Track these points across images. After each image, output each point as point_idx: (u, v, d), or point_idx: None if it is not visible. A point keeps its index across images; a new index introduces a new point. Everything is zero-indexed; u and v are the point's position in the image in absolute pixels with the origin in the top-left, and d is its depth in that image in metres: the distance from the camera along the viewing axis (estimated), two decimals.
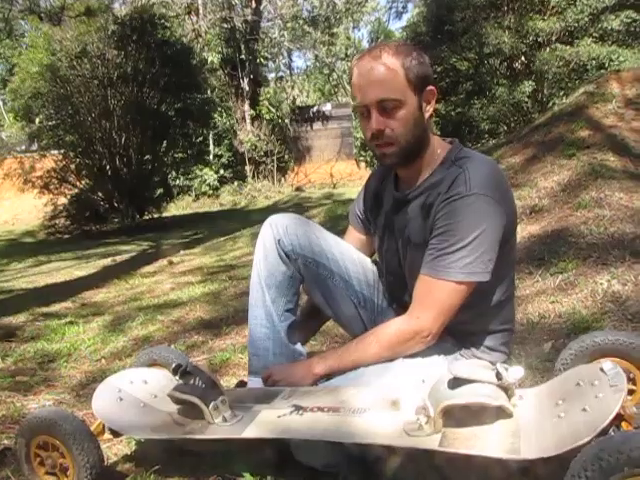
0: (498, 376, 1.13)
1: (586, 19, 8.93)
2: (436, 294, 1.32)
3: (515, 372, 1.14)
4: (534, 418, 1.12)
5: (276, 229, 1.55)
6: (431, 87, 1.36)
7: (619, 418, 1.04)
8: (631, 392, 1.27)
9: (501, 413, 1.12)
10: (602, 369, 1.11)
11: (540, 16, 9.21)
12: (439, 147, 1.41)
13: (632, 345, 1.27)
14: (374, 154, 1.42)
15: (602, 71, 7.40)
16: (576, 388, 1.13)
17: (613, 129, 4.02)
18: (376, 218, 1.57)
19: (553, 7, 9.18)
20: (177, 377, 1.35)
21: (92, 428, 1.34)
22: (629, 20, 8.88)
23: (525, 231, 3.02)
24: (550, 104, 9.16)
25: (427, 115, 1.37)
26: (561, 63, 9.11)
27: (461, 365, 1.16)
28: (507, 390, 1.14)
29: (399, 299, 1.56)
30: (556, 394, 1.16)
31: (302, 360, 1.55)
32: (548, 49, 9.26)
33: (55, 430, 1.26)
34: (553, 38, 9.37)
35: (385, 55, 1.31)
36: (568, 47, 9.10)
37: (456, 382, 1.12)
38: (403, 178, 1.47)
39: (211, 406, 1.27)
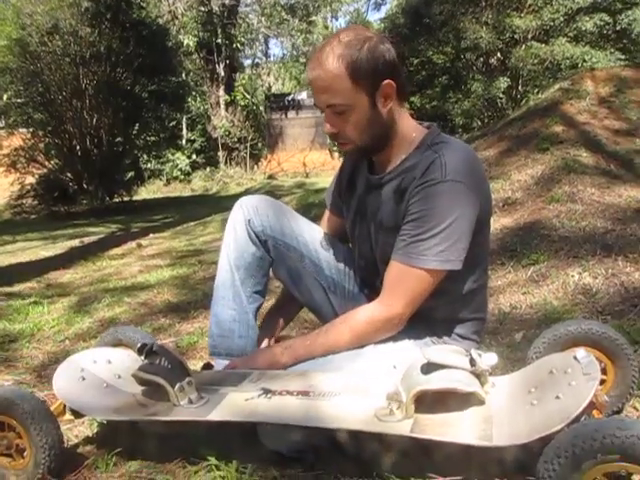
0: (472, 362, 1.11)
1: (561, 19, 9.05)
2: (407, 281, 1.29)
3: (489, 359, 1.13)
4: (507, 405, 1.11)
5: (247, 209, 1.52)
6: (388, 81, 1.27)
7: (591, 406, 1.04)
8: (602, 382, 1.27)
9: (474, 400, 1.10)
10: (575, 357, 1.11)
11: (517, 13, 9.29)
12: (414, 131, 1.37)
13: (604, 335, 1.27)
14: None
15: (576, 69, 7.50)
16: (549, 376, 1.12)
17: (586, 126, 4.07)
18: (349, 201, 1.54)
19: (530, 5, 9.26)
20: (142, 357, 1.31)
21: (52, 408, 1.29)
22: (602, 23, 9.03)
23: (498, 223, 3.03)
24: (524, 101, 9.26)
25: (386, 109, 1.30)
26: (536, 61, 9.22)
27: (435, 350, 1.15)
28: (480, 377, 1.13)
29: (371, 284, 1.53)
30: (529, 382, 1.15)
31: (267, 349, 1.52)
32: (524, 46, 9.34)
33: (12, 409, 1.20)
34: (529, 36, 9.47)
35: (330, 58, 1.24)
36: (543, 45, 9.20)
37: (429, 367, 1.11)
38: (377, 162, 1.44)
39: (177, 387, 1.23)
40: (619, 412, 1.33)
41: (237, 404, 1.21)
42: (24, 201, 10.53)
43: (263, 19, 18.70)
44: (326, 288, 1.56)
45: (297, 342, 1.45)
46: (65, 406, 1.33)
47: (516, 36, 9.35)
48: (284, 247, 1.53)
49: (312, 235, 1.57)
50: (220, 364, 1.49)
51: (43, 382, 1.92)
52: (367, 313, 1.35)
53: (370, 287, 1.53)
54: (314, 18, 20.48)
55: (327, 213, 1.67)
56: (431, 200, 1.25)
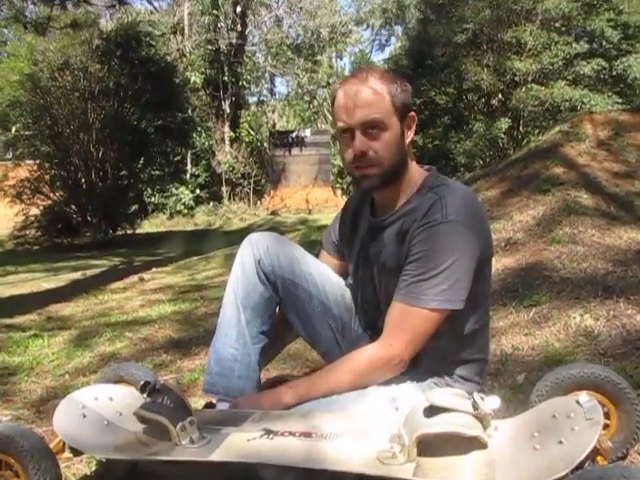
0: (474, 406, 1.11)
1: (560, 63, 9.27)
2: (409, 321, 1.30)
3: (491, 402, 1.13)
4: (509, 449, 1.10)
5: (257, 248, 1.52)
6: (412, 113, 1.38)
7: (595, 452, 1.03)
8: (605, 426, 1.26)
9: (476, 443, 1.10)
10: (578, 402, 1.11)
11: (517, 57, 9.52)
12: (417, 173, 1.41)
13: (607, 379, 1.27)
14: (353, 178, 1.41)
15: (576, 112, 7.64)
16: (552, 420, 1.12)
17: (586, 168, 4.12)
18: (351, 244, 1.55)
19: (530, 49, 9.50)
20: (145, 395, 1.30)
21: (51, 446, 1.28)
22: (599, 67, 9.26)
23: (500, 263, 3.04)
24: (525, 141, 9.39)
25: (407, 141, 1.38)
26: (536, 102, 9.40)
27: (438, 393, 1.15)
28: (483, 420, 1.12)
29: (374, 326, 1.53)
30: (532, 426, 1.14)
31: (272, 389, 1.50)
32: (524, 88, 9.54)
33: (10, 447, 1.19)
34: (529, 78, 9.68)
35: (372, 79, 1.32)
36: (543, 88, 9.40)
37: (432, 410, 1.10)
38: (380, 204, 1.46)
39: (178, 427, 1.22)
40: (624, 458, 1.31)
41: (239, 444, 1.20)
42: (28, 232, 10.55)
43: (269, 58, 19.11)
44: (334, 328, 1.56)
45: (300, 382, 1.45)
46: (64, 443, 1.32)
47: (516, 78, 9.55)
48: (293, 287, 1.53)
49: (320, 273, 1.58)
50: (223, 404, 1.48)
51: (42, 418, 1.90)
52: (368, 353, 1.35)
53: (373, 328, 1.53)
54: (319, 57, 20.92)
55: (322, 253, 1.68)
56: (432, 240, 1.27)
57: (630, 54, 9.62)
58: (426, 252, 1.27)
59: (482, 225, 1.34)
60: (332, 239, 1.65)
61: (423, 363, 1.39)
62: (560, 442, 1.04)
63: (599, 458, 1.06)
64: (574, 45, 9.21)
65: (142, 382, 1.32)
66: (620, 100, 9.42)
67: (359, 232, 1.52)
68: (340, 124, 1.35)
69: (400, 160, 1.36)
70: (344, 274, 1.63)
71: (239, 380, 1.49)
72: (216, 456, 1.17)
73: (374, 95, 1.31)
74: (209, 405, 1.58)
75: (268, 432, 1.22)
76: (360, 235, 1.51)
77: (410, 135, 1.38)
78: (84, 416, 1.36)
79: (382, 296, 1.43)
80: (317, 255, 1.70)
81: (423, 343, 1.31)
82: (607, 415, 1.27)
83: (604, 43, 9.36)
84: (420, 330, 1.29)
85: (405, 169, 1.38)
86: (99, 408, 1.40)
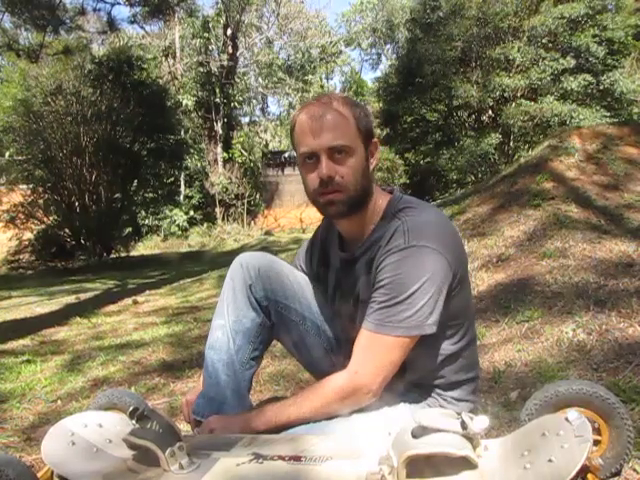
0: (463, 425, 1.10)
1: (548, 78, 9.40)
2: (375, 349, 1.26)
3: (480, 422, 1.12)
4: (499, 469, 1.09)
5: (248, 272, 1.48)
6: (375, 140, 1.35)
7: (585, 470, 1.03)
8: (596, 442, 1.25)
9: (466, 463, 1.09)
10: (567, 419, 1.10)
11: (506, 73, 9.65)
12: (380, 198, 1.38)
13: (596, 394, 1.27)
14: (318, 206, 1.36)
15: (564, 126, 7.73)
16: (542, 438, 1.11)
17: (576, 182, 4.16)
18: (326, 276, 1.53)
19: (518, 66, 9.63)
20: (134, 421, 1.29)
21: (39, 475, 1.26)
22: (586, 82, 9.39)
23: (491, 279, 3.05)
24: (516, 156, 9.49)
25: (372, 167, 1.35)
26: (526, 118, 9.51)
27: (426, 414, 1.14)
28: (472, 440, 1.11)
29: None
30: (522, 445, 1.14)
31: (242, 413, 1.44)
32: (514, 104, 9.66)
33: None
34: (518, 94, 9.81)
35: (335, 103, 1.30)
36: (532, 103, 9.52)
37: (420, 431, 1.10)
38: (347, 236, 1.44)
39: (167, 452, 1.21)
40: (617, 474, 1.31)
41: (228, 469, 1.19)
42: (21, 256, 10.56)
43: (260, 78, 19.28)
44: (327, 349, 1.54)
45: (269, 407, 1.40)
46: (53, 472, 1.31)
47: (506, 94, 9.67)
48: (286, 311, 1.51)
49: (313, 295, 1.55)
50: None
51: (32, 445, 1.88)
52: (335, 381, 1.31)
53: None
54: (310, 77, 21.12)
55: None
56: (395, 267, 1.24)
57: (616, 69, 9.79)
58: (389, 279, 1.25)
59: (449, 246, 1.28)
60: (300, 267, 1.63)
61: (415, 387, 1.37)
62: (550, 460, 1.03)
63: (590, 476, 1.05)
64: (561, 61, 9.35)
65: (131, 408, 1.31)
66: (608, 114, 9.54)
67: (331, 266, 1.50)
68: (304, 149, 1.30)
69: (365, 186, 1.32)
70: None
71: (228, 407, 1.45)
72: None
73: (340, 118, 1.28)
74: (197, 423, 1.54)
75: (257, 456, 1.21)
76: (334, 269, 1.49)
77: (373, 162, 1.35)
78: (73, 443, 1.34)
79: (358, 327, 1.40)
80: None
81: (393, 371, 1.27)
82: (598, 431, 1.27)
83: (590, 59, 9.49)
84: (387, 358, 1.26)
85: (370, 196, 1.35)
86: (88, 435, 1.38)
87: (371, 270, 1.31)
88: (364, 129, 1.31)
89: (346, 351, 1.52)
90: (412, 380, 1.33)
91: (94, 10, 7.90)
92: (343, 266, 1.45)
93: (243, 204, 15.55)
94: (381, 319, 1.25)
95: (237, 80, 17.46)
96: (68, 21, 7.79)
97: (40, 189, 10.36)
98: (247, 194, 15.66)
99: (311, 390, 1.35)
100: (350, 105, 1.31)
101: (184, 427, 1.87)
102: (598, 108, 9.55)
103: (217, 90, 16.16)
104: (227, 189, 15.47)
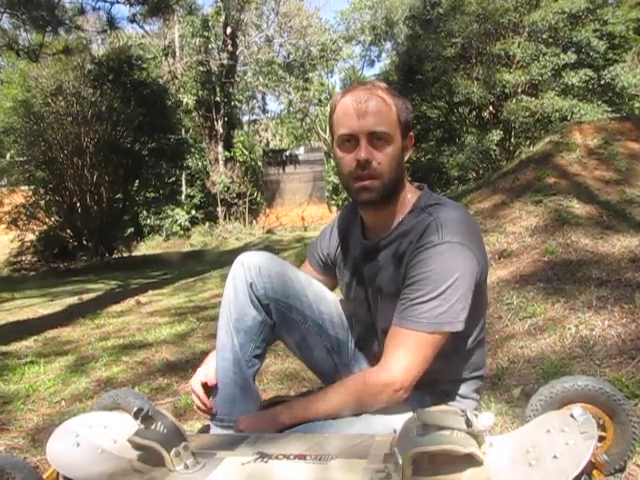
0: (468, 423, 1.10)
1: (549, 74, 9.36)
2: (408, 345, 1.26)
3: (485, 419, 1.12)
4: (505, 466, 1.10)
5: (249, 271, 1.48)
6: (412, 134, 1.38)
7: (590, 466, 1.03)
8: (601, 439, 1.25)
9: (471, 461, 1.09)
10: (572, 415, 1.10)
11: (506, 69, 9.61)
12: (410, 192, 1.40)
13: (601, 390, 1.27)
14: (350, 190, 1.35)
15: (566, 122, 7.71)
16: (546, 435, 1.11)
17: (577, 177, 4.14)
18: (343, 264, 1.54)
19: (518, 61, 9.60)
20: (138, 421, 1.29)
21: (45, 476, 1.27)
22: (587, 77, 9.36)
23: (494, 276, 3.04)
24: (517, 152, 9.45)
25: (405, 159, 1.37)
26: (527, 114, 9.47)
27: (430, 412, 1.14)
28: (477, 437, 1.11)
29: (367, 347, 1.53)
30: (527, 441, 1.14)
31: (269, 410, 1.47)
32: (514, 100, 9.62)
33: (1, 479, 1.18)
34: (519, 90, 9.77)
35: (380, 90, 1.32)
36: (533, 99, 9.48)
37: (425, 429, 1.10)
38: (371, 225, 1.44)
39: (172, 452, 1.21)
40: (622, 470, 1.31)
41: (233, 469, 1.19)
42: (24, 258, 10.56)
43: (260, 77, 19.27)
44: (329, 349, 1.54)
45: (297, 402, 1.43)
46: (58, 473, 1.31)
47: (506, 90, 9.63)
48: (287, 309, 1.51)
49: (315, 293, 1.55)
50: (217, 427, 1.47)
51: (37, 447, 1.88)
52: (367, 377, 1.31)
53: (367, 349, 1.52)
54: (310, 75, 21.10)
55: (306, 265, 1.67)
56: (429, 262, 1.25)
57: (617, 63, 9.75)
58: (423, 275, 1.25)
59: (477, 242, 1.31)
60: (318, 254, 1.63)
61: (422, 384, 1.37)
62: (555, 457, 1.03)
63: (595, 472, 1.05)
64: (562, 56, 9.32)
65: (135, 409, 1.31)
66: (609, 109, 9.51)
67: (350, 253, 1.50)
68: (344, 130, 1.31)
69: (398, 176, 1.34)
70: (329, 288, 1.63)
71: (241, 404, 1.46)
72: None
73: (384, 105, 1.30)
74: (205, 429, 1.57)
75: (262, 455, 1.21)
76: (352, 257, 1.50)
77: (407, 155, 1.37)
78: (78, 445, 1.34)
79: (378, 319, 1.42)
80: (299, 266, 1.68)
81: (425, 367, 1.28)
82: (603, 427, 1.27)
83: (591, 53, 9.46)
84: (420, 354, 1.26)
85: (402, 187, 1.37)
86: (93, 436, 1.38)
87: (401, 264, 1.32)
88: (404, 120, 1.33)
89: (359, 338, 1.55)
90: (424, 376, 1.32)
91: (94, 9, 7.88)
92: (364, 255, 1.45)
93: (245, 203, 15.55)
94: (414, 315, 1.25)
95: (237, 79, 17.46)
96: (68, 21, 7.78)
97: (41, 190, 10.36)
98: (248, 193, 15.66)
99: (342, 385, 1.35)
100: (393, 95, 1.33)
101: (188, 427, 1.87)
102: (599, 103, 9.52)
103: (217, 89, 16.13)
104: (229, 188, 15.46)
